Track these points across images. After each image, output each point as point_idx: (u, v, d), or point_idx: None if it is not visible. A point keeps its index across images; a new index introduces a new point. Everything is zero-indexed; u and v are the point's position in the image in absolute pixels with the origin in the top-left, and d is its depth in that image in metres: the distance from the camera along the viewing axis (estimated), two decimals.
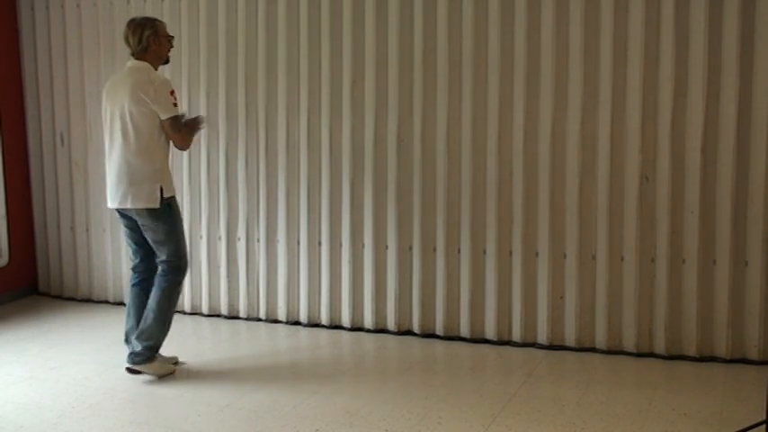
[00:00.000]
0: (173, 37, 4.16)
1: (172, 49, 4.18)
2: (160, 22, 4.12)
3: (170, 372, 4.18)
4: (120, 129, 3.98)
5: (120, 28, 5.33)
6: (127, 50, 5.35)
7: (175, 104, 3.99)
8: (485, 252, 4.64)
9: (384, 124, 4.76)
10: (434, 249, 4.74)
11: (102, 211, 5.60)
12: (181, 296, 5.38)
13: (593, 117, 4.35)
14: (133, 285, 4.20)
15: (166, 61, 4.15)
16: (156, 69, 4.06)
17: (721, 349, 4.26)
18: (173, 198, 4.08)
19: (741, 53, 4.08)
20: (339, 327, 5.01)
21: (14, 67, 5.69)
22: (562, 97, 4.40)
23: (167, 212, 4.03)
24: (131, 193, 3.97)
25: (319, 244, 5.00)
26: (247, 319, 5.21)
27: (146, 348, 4.07)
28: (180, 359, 4.39)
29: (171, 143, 4.05)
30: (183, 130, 4.02)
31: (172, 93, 3.98)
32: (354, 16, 4.74)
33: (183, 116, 4.05)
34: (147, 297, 4.12)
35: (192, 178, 5.24)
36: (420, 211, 4.72)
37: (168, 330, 4.16)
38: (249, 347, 4.64)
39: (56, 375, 4.19)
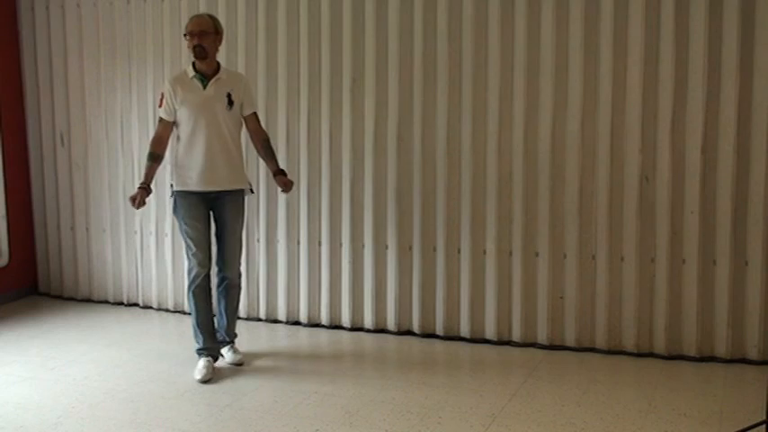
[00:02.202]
0: (185, 34, 4.12)
1: (193, 45, 4.08)
2: (189, 20, 4.16)
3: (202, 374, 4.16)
4: None
5: (120, 28, 5.38)
6: (125, 50, 5.40)
7: (160, 105, 4.21)
8: (485, 252, 4.64)
9: (384, 124, 4.76)
10: (434, 249, 4.74)
11: (103, 211, 5.60)
12: (181, 296, 5.40)
13: (593, 117, 4.35)
14: None
15: (196, 56, 4.11)
16: (193, 65, 4.17)
17: (721, 349, 4.26)
18: (179, 193, 4.18)
19: (741, 53, 4.08)
20: (339, 327, 5.01)
21: (14, 67, 5.69)
22: (562, 97, 4.40)
23: (174, 206, 4.26)
24: None
25: (319, 244, 5.00)
26: (247, 319, 5.20)
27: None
28: (189, 360, 4.45)
29: (182, 138, 4.18)
30: (157, 128, 4.26)
31: (161, 94, 4.20)
32: (354, 16, 4.74)
33: (162, 119, 4.21)
34: (209, 295, 4.30)
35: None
36: (420, 211, 4.72)
37: (195, 329, 4.26)
38: (249, 347, 4.64)
39: (56, 375, 4.19)
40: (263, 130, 4.36)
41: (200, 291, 4.20)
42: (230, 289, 4.31)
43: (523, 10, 4.40)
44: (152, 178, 4.20)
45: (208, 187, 4.15)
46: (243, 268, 5.18)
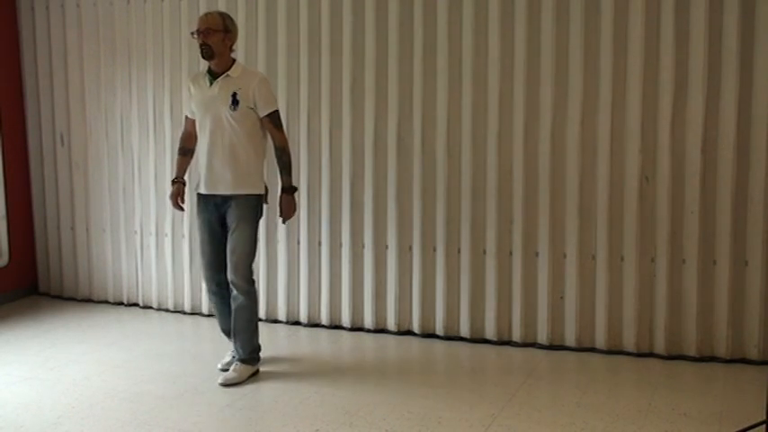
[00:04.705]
0: (192, 33, 3.96)
1: (199, 44, 3.89)
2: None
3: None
4: None
5: (120, 28, 5.38)
6: (125, 51, 5.40)
7: None
8: (485, 252, 4.64)
9: (384, 124, 4.76)
10: (434, 249, 4.74)
11: (103, 211, 5.60)
12: (181, 296, 5.40)
13: (593, 117, 4.35)
14: None
15: (202, 55, 3.92)
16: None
17: (721, 349, 4.26)
18: (197, 194, 4.12)
19: (741, 53, 4.08)
20: (339, 327, 5.01)
21: (14, 67, 5.69)
22: (562, 97, 4.40)
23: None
24: None
25: (319, 244, 5.00)
26: None
27: None
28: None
29: (199, 139, 4.08)
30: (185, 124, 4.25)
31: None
32: (354, 16, 4.74)
33: (187, 116, 4.18)
34: (224, 301, 4.17)
35: (192, 178, 5.23)
36: (420, 211, 4.72)
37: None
38: None
39: (56, 375, 4.19)
40: (280, 136, 4.02)
41: (212, 295, 4.17)
42: (236, 301, 4.03)
43: (523, 10, 4.40)
44: (182, 171, 4.19)
45: (210, 190, 4.01)
46: None
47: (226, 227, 4.06)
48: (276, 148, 4.03)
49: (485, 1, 4.48)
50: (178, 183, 4.19)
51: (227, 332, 4.24)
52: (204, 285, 4.24)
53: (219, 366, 4.23)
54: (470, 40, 4.52)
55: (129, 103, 5.42)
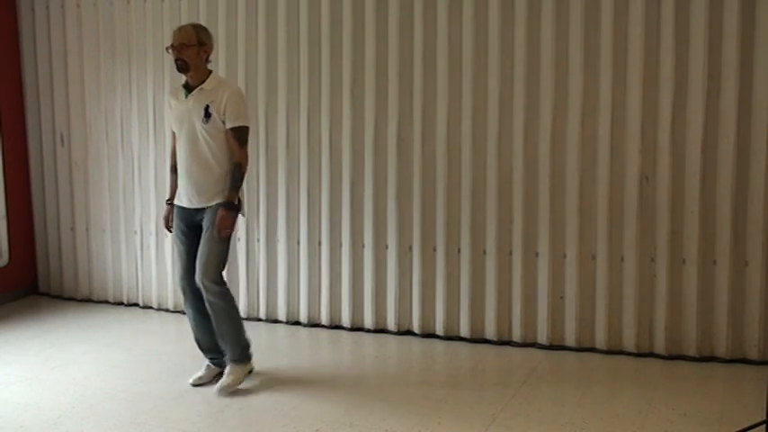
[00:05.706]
0: (167, 48, 3.95)
1: (174, 60, 3.92)
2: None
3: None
4: None
5: (120, 28, 5.38)
6: (125, 50, 5.40)
7: None
8: (485, 252, 4.64)
9: (384, 124, 4.76)
10: (434, 249, 4.74)
11: (103, 211, 5.60)
12: (181, 296, 5.39)
13: (593, 117, 4.35)
14: None
15: (177, 70, 3.93)
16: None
17: (721, 349, 4.26)
18: (174, 205, 4.06)
19: (741, 53, 4.08)
20: (339, 327, 5.01)
21: (14, 67, 5.69)
22: (562, 97, 4.40)
23: None
24: None
25: (319, 244, 5.00)
26: (247, 318, 5.19)
27: None
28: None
29: (177, 152, 4.01)
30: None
31: None
32: (354, 17, 4.74)
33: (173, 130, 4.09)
34: (198, 313, 4.06)
35: None
36: (420, 211, 4.72)
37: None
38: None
39: (56, 375, 4.19)
40: (240, 152, 3.85)
41: (188, 307, 4.06)
42: (211, 306, 3.91)
43: (523, 10, 4.40)
44: (175, 191, 4.05)
45: (187, 204, 3.93)
46: (243, 268, 5.18)
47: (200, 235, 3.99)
48: (235, 163, 3.86)
49: (485, 1, 4.48)
50: (170, 204, 4.08)
51: (197, 340, 4.12)
52: (182, 296, 4.10)
53: (191, 381, 4.03)
54: (470, 40, 4.52)
55: (129, 103, 5.42)
